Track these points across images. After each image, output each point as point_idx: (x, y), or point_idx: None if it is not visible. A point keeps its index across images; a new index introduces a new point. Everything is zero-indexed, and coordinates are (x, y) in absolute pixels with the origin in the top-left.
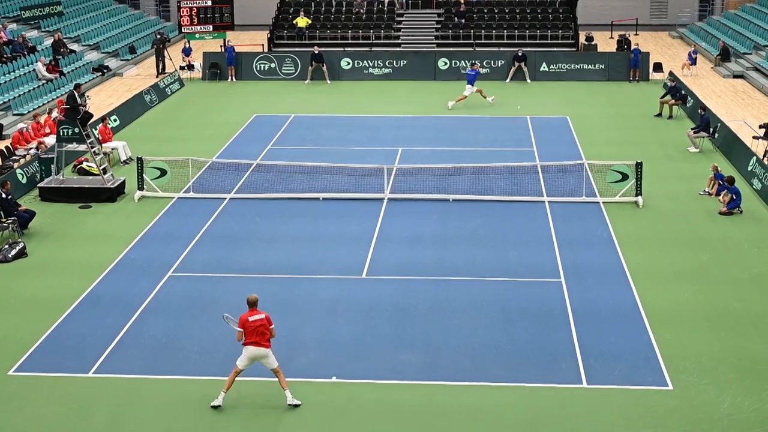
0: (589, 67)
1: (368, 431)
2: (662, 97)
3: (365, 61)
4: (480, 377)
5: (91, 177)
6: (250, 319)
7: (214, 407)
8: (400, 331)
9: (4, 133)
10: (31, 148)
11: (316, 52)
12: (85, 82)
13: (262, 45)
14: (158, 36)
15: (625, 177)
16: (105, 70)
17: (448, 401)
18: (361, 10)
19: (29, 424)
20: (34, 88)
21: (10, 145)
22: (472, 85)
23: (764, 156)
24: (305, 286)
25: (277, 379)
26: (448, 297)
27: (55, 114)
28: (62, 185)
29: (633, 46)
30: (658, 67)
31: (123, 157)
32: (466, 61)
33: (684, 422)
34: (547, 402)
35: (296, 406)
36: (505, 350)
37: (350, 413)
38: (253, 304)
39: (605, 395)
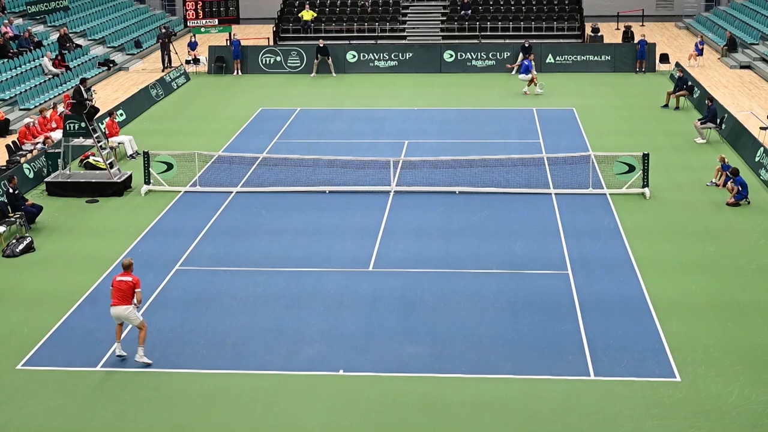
0: (596, 58)
1: (375, 424)
2: (674, 92)
3: (371, 54)
4: (486, 370)
5: (97, 171)
6: (117, 279)
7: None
8: (407, 324)
9: (10, 128)
10: (37, 143)
11: (321, 45)
12: (91, 77)
13: (268, 38)
14: (163, 30)
15: (631, 168)
16: (111, 65)
17: (454, 394)
18: (367, 3)
19: (37, 418)
20: (40, 83)
21: (17, 140)
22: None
23: None
24: (312, 279)
25: None
26: (454, 289)
27: (61, 108)
28: (69, 180)
29: (639, 38)
30: (664, 58)
31: (129, 152)
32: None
33: (692, 414)
34: (554, 394)
35: (147, 364)
36: (511, 342)
37: (357, 406)
38: (126, 267)
39: (612, 387)
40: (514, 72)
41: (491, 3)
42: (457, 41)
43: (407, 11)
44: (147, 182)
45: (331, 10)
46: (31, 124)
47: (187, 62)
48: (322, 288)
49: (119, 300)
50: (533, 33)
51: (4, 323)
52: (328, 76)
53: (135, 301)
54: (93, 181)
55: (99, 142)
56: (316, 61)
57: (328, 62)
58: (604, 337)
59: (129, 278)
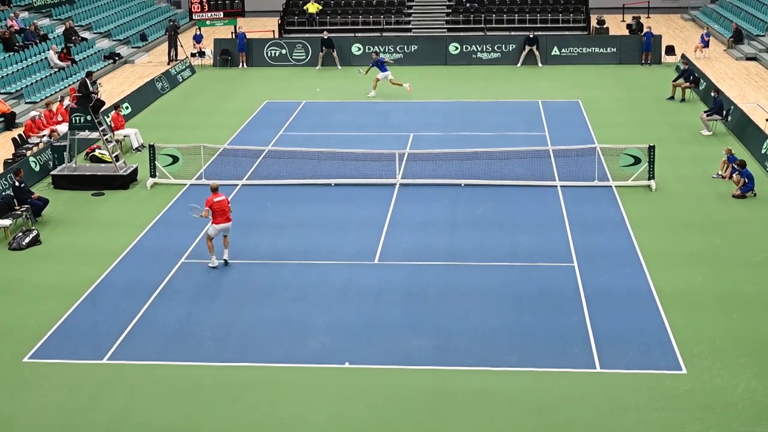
0: (601, 50)
1: (380, 416)
2: (675, 80)
3: (376, 47)
4: (491, 362)
5: (103, 164)
6: (215, 200)
7: (213, 267)
8: (412, 316)
9: (16, 121)
10: (43, 136)
11: (326, 37)
12: (97, 70)
13: (273, 31)
14: (171, 23)
15: (637, 161)
16: (116, 58)
17: (459, 386)
18: None
19: (43, 411)
20: (46, 77)
21: (23, 133)
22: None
23: None
24: (317, 271)
25: None
26: (459, 282)
27: (67, 102)
28: (75, 173)
29: (645, 30)
30: (670, 50)
31: (135, 145)
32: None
33: (697, 406)
34: (560, 386)
35: (225, 262)
36: (516, 335)
37: (362, 398)
38: (215, 189)
39: (618, 379)
40: (366, 73)
41: None
42: (462, 33)
43: (412, 3)
44: (153, 175)
45: (336, 2)
46: (37, 117)
47: (193, 55)
48: (328, 280)
49: (223, 218)
50: (539, 25)
51: (10, 316)
52: (333, 68)
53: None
54: (99, 174)
55: (105, 135)
56: (321, 53)
57: (333, 55)
58: (610, 330)
59: (223, 197)
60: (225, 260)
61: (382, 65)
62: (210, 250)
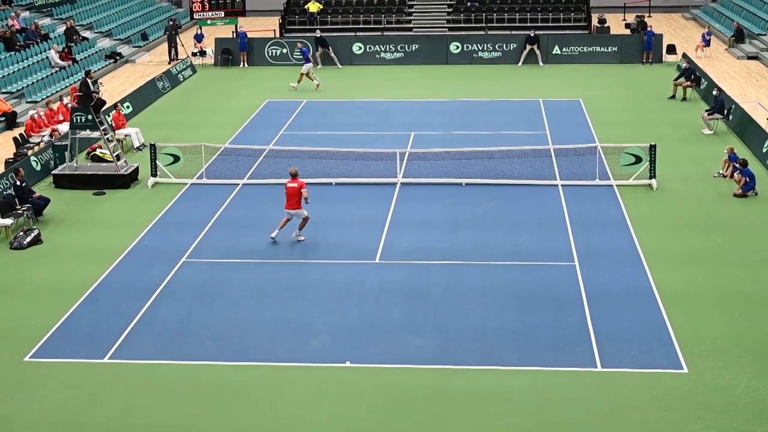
0: (602, 49)
1: (381, 415)
2: (676, 79)
3: (377, 46)
4: (492, 361)
5: (104, 164)
6: (287, 185)
7: (273, 238)
8: (413, 316)
9: (17, 120)
10: (44, 136)
11: (318, 35)
12: (98, 69)
13: (274, 30)
14: (171, 22)
15: (638, 160)
16: (117, 57)
17: (460, 385)
18: None
19: (44, 410)
20: (47, 76)
21: (23, 133)
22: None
23: None
24: (318, 271)
25: None
26: (460, 281)
27: (67, 101)
28: (76, 172)
29: (646, 29)
30: (671, 49)
31: (136, 144)
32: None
33: (698, 406)
34: (561, 386)
35: (301, 240)
36: (517, 334)
37: (363, 398)
38: (293, 175)
39: (619, 378)
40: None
41: None
42: (463, 32)
43: (413, 3)
44: (154, 174)
45: (338, 1)
46: (37, 115)
47: (194, 54)
48: (329, 280)
49: (291, 204)
50: (540, 24)
51: (11, 315)
52: (333, 67)
53: (303, 200)
54: (100, 173)
55: (106, 134)
56: (317, 52)
57: (330, 54)
58: (611, 329)
59: (295, 184)
60: (297, 239)
61: (305, 57)
62: (280, 223)
